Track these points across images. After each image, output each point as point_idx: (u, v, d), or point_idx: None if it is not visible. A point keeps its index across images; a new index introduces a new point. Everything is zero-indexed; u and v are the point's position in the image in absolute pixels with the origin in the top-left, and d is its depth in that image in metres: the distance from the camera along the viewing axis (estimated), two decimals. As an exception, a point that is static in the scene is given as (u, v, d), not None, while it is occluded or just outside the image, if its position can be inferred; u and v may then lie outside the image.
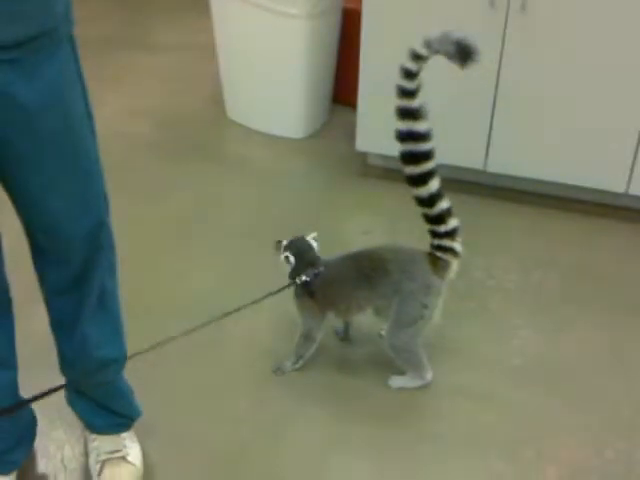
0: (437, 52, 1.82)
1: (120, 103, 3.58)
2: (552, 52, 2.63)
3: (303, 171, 3.22)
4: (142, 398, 1.85)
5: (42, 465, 1.85)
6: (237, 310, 1.94)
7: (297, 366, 2.12)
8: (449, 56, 1.81)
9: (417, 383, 2.08)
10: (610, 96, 2.63)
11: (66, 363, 1.73)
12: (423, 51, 1.82)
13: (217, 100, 3.61)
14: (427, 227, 2.02)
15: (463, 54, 1.81)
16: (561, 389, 2.08)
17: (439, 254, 2.03)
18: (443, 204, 1.99)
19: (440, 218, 2.00)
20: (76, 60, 1.42)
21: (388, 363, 2.08)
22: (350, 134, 3.25)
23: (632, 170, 2.70)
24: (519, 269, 2.56)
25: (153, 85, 3.85)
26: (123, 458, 1.80)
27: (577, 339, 2.26)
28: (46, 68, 1.32)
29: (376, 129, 2.97)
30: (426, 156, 1.96)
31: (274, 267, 2.52)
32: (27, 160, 1.38)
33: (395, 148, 2.96)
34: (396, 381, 2.09)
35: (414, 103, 1.93)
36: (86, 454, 1.85)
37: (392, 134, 2.91)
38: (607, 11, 2.52)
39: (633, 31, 2.52)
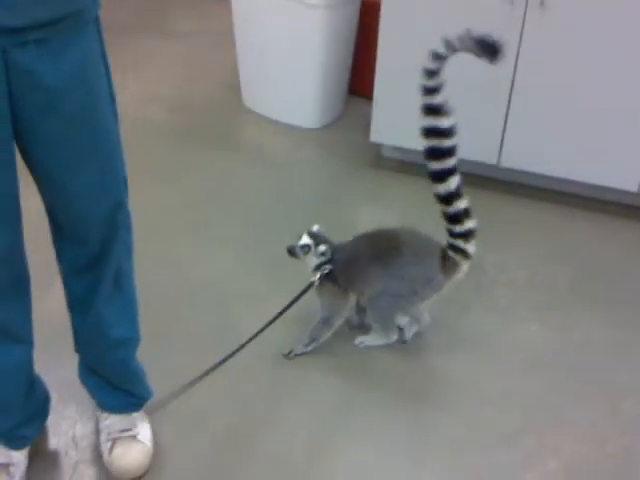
0: (458, 51, 1.86)
1: (137, 89, 3.61)
2: (570, 48, 2.63)
3: (317, 161, 3.24)
4: (153, 379, 1.89)
5: (54, 442, 1.88)
6: (268, 325, 2.02)
7: (309, 349, 2.14)
8: (475, 54, 1.84)
9: (381, 341, 2.16)
10: (627, 94, 2.63)
11: (81, 341, 1.77)
12: (443, 51, 1.84)
13: (233, 87, 3.64)
14: (444, 224, 2.05)
15: (488, 51, 1.85)
16: (566, 383, 2.11)
17: (451, 253, 2.06)
18: (461, 204, 2.02)
19: (456, 217, 2.03)
20: (101, 42, 1.45)
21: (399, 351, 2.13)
22: (365, 125, 3.27)
23: (646, 169, 2.71)
24: (530, 265, 2.57)
25: (170, 71, 3.88)
26: (134, 437, 1.83)
27: (584, 335, 2.28)
28: (72, 49, 1.35)
29: (391, 121, 3.00)
30: (448, 153, 1.98)
31: (286, 255, 2.56)
32: (50, 141, 1.41)
33: (409, 140, 3.01)
34: (362, 340, 2.18)
35: (437, 100, 1.98)
36: (97, 432, 1.88)
37: (407, 126, 2.94)
38: (625, 7, 2.53)
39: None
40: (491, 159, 2.90)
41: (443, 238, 2.08)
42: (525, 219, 2.84)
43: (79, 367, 1.85)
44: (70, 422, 1.93)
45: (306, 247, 2.11)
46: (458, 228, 2.04)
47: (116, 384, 1.82)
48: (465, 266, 2.08)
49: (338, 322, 2.13)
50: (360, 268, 2.10)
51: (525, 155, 2.86)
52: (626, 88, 2.63)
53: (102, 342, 1.73)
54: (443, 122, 1.98)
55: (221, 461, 1.85)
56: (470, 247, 2.07)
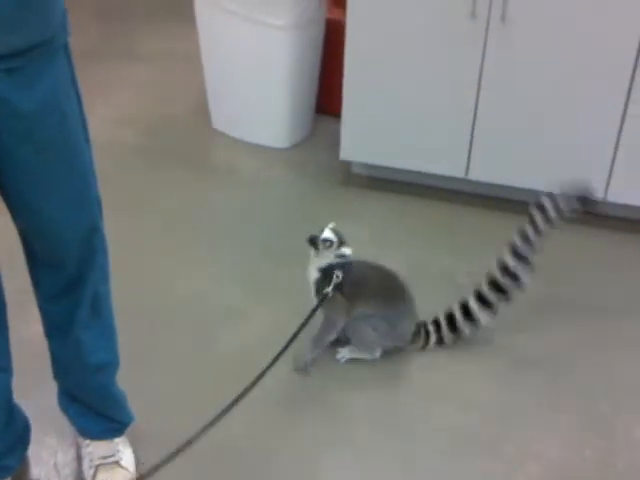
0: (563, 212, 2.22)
1: (105, 113, 3.61)
2: (532, 61, 2.69)
3: (287, 180, 3.26)
4: (134, 403, 1.88)
5: (35, 471, 1.87)
6: (287, 346, 1.96)
7: (315, 355, 2.15)
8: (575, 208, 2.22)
9: (363, 355, 2.18)
10: (588, 105, 2.70)
11: (60, 368, 1.76)
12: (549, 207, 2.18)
13: (202, 109, 3.65)
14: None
15: (587, 203, 2.23)
16: (544, 389, 2.14)
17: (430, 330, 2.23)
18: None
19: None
20: (71, 69, 1.46)
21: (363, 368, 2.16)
22: (334, 144, 3.30)
23: (609, 178, 2.77)
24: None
25: (138, 95, 3.88)
26: (117, 463, 1.83)
27: (558, 341, 2.32)
28: (44, 76, 1.37)
29: (360, 138, 3.04)
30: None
31: (262, 272, 2.58)
32: (25, 167, 1.42)
33: (378, 157, 3.06)
34: (343, 354, 2.20)
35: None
36: (79, 459, 1.88)
37: (375, 143, 3.02)
38: (586, 21, 2.59)
39: (611, 40, 2.59)
40: (459, 172, 2.94)
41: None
42: (495, 230, 2.87)
43: (59, 395, 1.84)
44: (51, 450, 1.92)
45: (328, 242, 2.11)
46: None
47: (97, 410, 1.81)
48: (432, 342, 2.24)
49: (340, 324, 2.14)
50: (366, 291, 2.15)
51: (493, 167, 2.91)
52: (588, 99, 2.69)
53: (82, 368, 1.73)
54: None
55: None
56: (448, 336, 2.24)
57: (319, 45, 3.47)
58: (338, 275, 2.08)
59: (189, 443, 1.65)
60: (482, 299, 2.22)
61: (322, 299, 2.07)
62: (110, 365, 1.78)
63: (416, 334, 2.21)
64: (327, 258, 2.12)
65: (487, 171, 2.92)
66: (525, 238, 2.21)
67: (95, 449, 1.84)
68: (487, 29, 2.67)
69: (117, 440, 1.86)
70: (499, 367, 2.22)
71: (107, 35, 4.55)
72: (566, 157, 2.80)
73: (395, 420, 2.04)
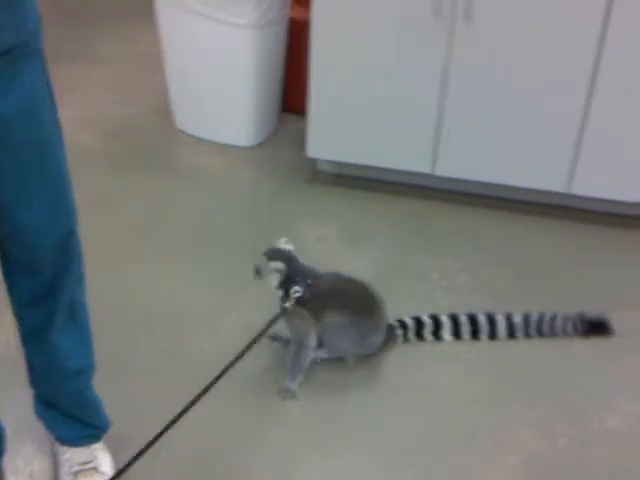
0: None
1: (68, 115, 3.49)
2: (496, 58, 2.72)
3: (254, 179, 3.26)
4: (111, 408, 1.87)
5: (11, 480, 1.85)
6: (243, 353, 1.91)
7: (298, 380, 2.10)
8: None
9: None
10: (552, 101, 2.74)
11: (36, 375, 1.74)
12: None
13: (165, 110, 3.62)
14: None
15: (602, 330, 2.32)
16: (515, 382, 2.17)
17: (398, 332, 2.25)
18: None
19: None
20: (46, 73, 1.45)
21: (341, 368, 2.17)
22: (299, 142, 3.31)
23: (573, 171, 2.82)
24: (470, 269, 2.64)
25: (100, 97, 3.83)
26: (95, 469, 1.80)
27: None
28: (19, 81, 1.35)
29: (326, 136, 3.05)
30: None
31: (233, 272, 2.58)
32: (2, 171, 1.40)
33: (345, 154, 3.07)
34: (318, 354, 2.17)
35: None
36: (56, 467, 1.85)
37: (342, 140, 3.03)
38: (549, 20, 2.63)
39: (573, 38, 2.63)
40: (426, 168, 2.97)
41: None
42: (462, 225, 2.92)
43: (35, 402, 1.82)
44: (27, 458, 1.89)
45: (264, 268, 2.09)
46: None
47: (74, 416, 1.79)
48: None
49: (313, 341, 2.10)
50: (335, 302, 2.12)
51: (459, 163, 2.94)
52: (552, 95, 2.74)
53: (58, 374, 1.71)
54: None
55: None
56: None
57: (283, 44, 3.47)
58: (296, 290, 2.05)
59: (148, 446, 1.63)
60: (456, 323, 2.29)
61: (281, 313, 2.05)
62: (87, 370, 1.76)
63: (388, 340, 2.21)
64: (272, 279, 2.10)
65: (453, 166, 2.95)
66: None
67: (73, 455, 1.82)
68: (451, 27, 2.70)
69: (95, 446, 1.84)
70: (471, 360, 2.24)
71: (65, 37, 4.47)
72: (531, 152, 2.84)
73: (370, 417, 2.05)
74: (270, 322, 2.02)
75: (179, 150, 3.51)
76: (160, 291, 2.49)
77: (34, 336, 1.67)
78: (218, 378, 1.83)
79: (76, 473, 1.79)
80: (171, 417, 1.96)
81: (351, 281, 2.19)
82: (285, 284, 2.08)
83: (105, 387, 1.84)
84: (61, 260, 1.58)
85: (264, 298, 2.39)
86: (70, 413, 1.79)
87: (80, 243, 1.64)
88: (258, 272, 2.10)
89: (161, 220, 2.90)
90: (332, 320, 2.09)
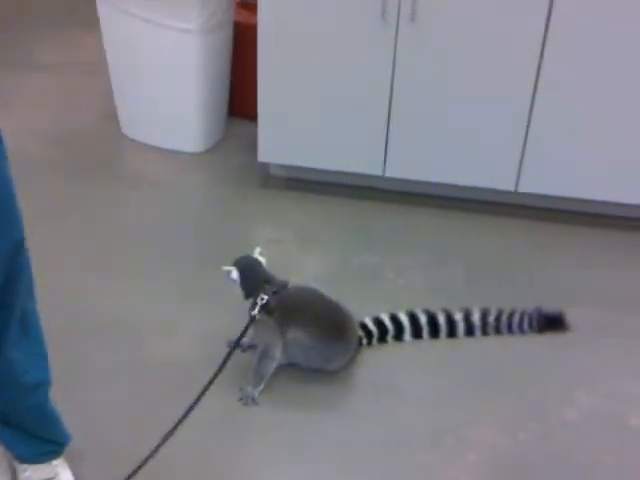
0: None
1: (9, 124, 3.43)
2: (442, 59, 2.76)
3: (205, 185, 3.24)
4: (70, 422, 1.82)
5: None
6: (220, 369, 1.94)
7: (260, 388, 2.08)
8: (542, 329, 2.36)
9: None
10: (498, 100, 2.78)
11: None
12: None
13: (110, 116, 3.57)
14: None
15: (557, 325, 2.36)
16: (474, 380, 2.19)
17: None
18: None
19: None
20: None
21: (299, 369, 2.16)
22: (249, 146, 3.30)
23: (520, 170, 2.87)
24: (425, 267, 2.67)
25: (42, 105, 3.76)
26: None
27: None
28: None
29: (277, 140, 3.04)
30: None
31: (186, 280, 2.55)
32: None
33: (296, 158, 3.07)
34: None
35: None
36: (14, 485, 1.81)
37: (293, 144, 3.03)
38: (492, 21, 2.67)
39: (516, 39, 2.68)
40: (377, 170, 2.99)
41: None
42: (414, 225, 2.95)
43: None
44: (-18, 478, 1.84)
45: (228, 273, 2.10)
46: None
47: (32, 432, 1.74)
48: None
49: (278, 352, 2.09)
50: (302, 317, 2.09)
51: (408, 164, 2.96)
52: (496, 95, 2.77)
53: (15, 388, 1.66)
54: None
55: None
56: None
57: (229, 48, 3.45)
58: (262, 297, 2.05)
59: (138, 468, 1.61)
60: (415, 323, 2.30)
61: (249, 322, 2.04)
62: (44, 383, 1.71)
63: (354, 357, 2.21)
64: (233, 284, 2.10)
65: (403, 168, 2.97)
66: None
67: (33, 473, 1.77)
68: (397, 29, 2.72)
69: (55, 462, 1.79)
70: (431, 360, 2.26)
71: (5, 45, 4.38)
72: (478, 152, 2.88)
73: (332, 418, 2.05)
74: (242, 332, 2.03)
75: (127, 157, 3.47)
76: (113, 301, 2.44)
77: None
78: (203, 392, 1.86)
79: None
80: (129, 429, 1.95)
81: (322, 298, 2.16)
82: (253, 292, 2.07)
83: (62, 401, 1.79)
84: (11, 271, 1.54)
85: (222, 305, 2.39)
86: (28, 429, 1.74)
87: (29, 254, 1.60)
88: (230, 345, 2.11)
89: (111, 229, 2.85)
90: (296, 337, 2.08)
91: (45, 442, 1.76)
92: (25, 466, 1.78)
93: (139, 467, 1.74)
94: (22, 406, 1.69)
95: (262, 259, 2.14)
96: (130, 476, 1.65)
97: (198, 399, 1.87)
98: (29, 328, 1.65)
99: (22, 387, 1.66)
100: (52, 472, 1.77)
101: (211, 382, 1.89)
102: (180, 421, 1.82)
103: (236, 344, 2.03)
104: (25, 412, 1.71)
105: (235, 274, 2.08)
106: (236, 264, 2.10)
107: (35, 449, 1.76)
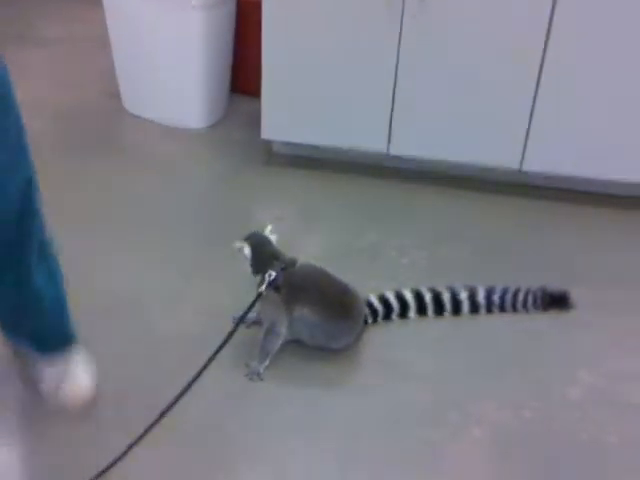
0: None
1: None
2: (449, 37, 2.74)
3: (207, 161, 3.22)
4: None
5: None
6: (226, 341, 1.93)
7: (266, 364, 2.08)
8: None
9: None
10: (503, 79, 2.77)
11: (12, 317, 1.86)
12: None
13: (113, 92, 3.55)
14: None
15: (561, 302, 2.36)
16: (478, 357, 2.20)
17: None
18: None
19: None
20: None
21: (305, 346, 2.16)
22: (251, 123, 3.28)
23: (524, 148, 2.86)
24: (429, 247, 2.67)
25: (42, 81, 3.73)
26: (75, 374, 1.96)
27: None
28: None
29: (281, 117, 3.03)
30: None
31: (190, 256, 2.54)
32: None
33: (299, 135, 3.06)
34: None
35: None
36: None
37: (296, 121, 3.01)
38: (499, 5, 2.66)
39: (523, 23, 2.67)
40: (381, 148, 2.98)
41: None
42: (418, 203, 2.94)
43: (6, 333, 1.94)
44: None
45: (240, 250, 2.09)
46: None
47: (48, 323, 1.90)
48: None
49: (283, 329, 2.09)
50: (309, 295, 2.09)
51: (413, 142, 2.96)
52: (501, 74, 2.76)
53: (38, 311, 1.82)
54: None
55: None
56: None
57: (232, 23, 3.43)
58: (271, 274, 2.04)
59: (144, 433, 1.62)
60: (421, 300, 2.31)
61: (256, 298, 2.04)
62: (62, 298, 1.88)
63: (359, 336, 2.20)
64: (245, 263, 2.10)
65: (408, 145, 2.96)
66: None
67: (51, 367, 1.93)
68: (403, 5, 2.70)
69: (69, 354, 1.95)
70: (436, 336, 2.26)
71: (7, 20, 4.35)
72: (484, 130, 2.87)
73: (337, 394, 2.06)
74: (248, 307, 2.02)
75: (129, 133, 3.45)
76: (115, 275, 2.44)
77: (9, 281, 1.75)
78: (205, 366, 1.86)
79: (60, 380, 1.92)
80: (134, 401, 1.96)
81: (329, 278, 2.16)
82: (262, 269, 2.07)
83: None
84: (24, 207, 1.69)
85: (225, 280, 2.40)
86: (43, 323, 1.90)
87: (39, 189, 1.76)
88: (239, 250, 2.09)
89: (114, 205, 2.84)
90: (302, 314, 2.07)
91: (58, 334, 1.94)
92: (42, 366, 1.94)
93: (139, 438, 1.74)
94: (44, 322, 1.89)
95: (272, 236, 2.14)
96: (126, 451, 1.65)
97: (200, 373, 1.87)
98: (46, 256, 1.81)
99: (44, 309, 1.84)
100: (69, 365, 1.95)
101: (213, 356, 1.89)
102: (181, 395, 1.81)
103: (241, 319, 2.03)
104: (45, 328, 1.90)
105: (247, 250, 2.08)
106: (247, 240, 2.10)
107: (50, 342, 1.93)
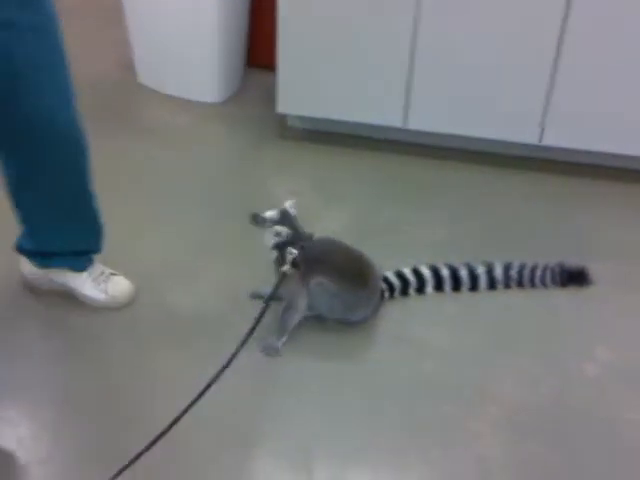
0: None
1: None
2: (468, 10, 2.71)
3: (223, 135, 3.21)
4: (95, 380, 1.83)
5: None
6: (257, 323, 1.90)
7: (284, 339, 2.09)
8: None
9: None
10: (522, 52, 2.74)
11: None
12: None
13: (127, 65, 3.54)
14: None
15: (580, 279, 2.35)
16: (495, 333, 2.19)
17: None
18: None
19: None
20: None
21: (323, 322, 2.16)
22: (266, 97, 3.27)
23: (543, 122, 2.83)
24: (446, 222, 2.66)
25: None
26: (113, 274, 2.20)
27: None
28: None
29: (296, 91, 3.01)
30: None
31: (206, 230, 2.53)
32: (16, 60, 1.73)
33: (315, 109, 3.03)
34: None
35: None
36: (41, 430, 1.84)
37: (311, 95, 2.99)
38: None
39: (540, 4, 2.64)
40: (397, 122, 2.95)
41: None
42: (435, 179, 2.92)
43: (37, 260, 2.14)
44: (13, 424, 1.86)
45: (267, 221, 2.05)
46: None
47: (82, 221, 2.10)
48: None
49: (302, 304, 2.09)
50: (326, 266, 2.08)
51: (431, 116, 2.93)
52: (520, 47, 2.73)
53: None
54: None
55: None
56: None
57: (247, -4, 3.39)
58: (292, 252, 2.03)
59: (169, 427, 1.62)
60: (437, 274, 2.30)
61: (281, 278, 2.02)
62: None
63: (377, 308, 2.20)
64: (268, 238, 2.07)
65: (425, 120, 2.94)
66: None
67: (91, 271, 2.16)
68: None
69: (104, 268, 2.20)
70: (453, 312, 2.26)
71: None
72: (502, 104, 2.84)
73: (354, 371, 2.05)
74: (275, 287, 2.01)
75: (144, 107, 3.43)
76: (133, 249, 2.43)
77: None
78: (237, 351, 1.81)
79: (105, 279, 2.17)
80: (150, 382, 1.96)
81: (346, 249, 2.16)
82: (280, 245, 2.06)
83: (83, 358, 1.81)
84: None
85: (240, 256, 2.40)
86: (69, 230, 2.08)
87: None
88: (256, 220, 2.05)
89: (127, 179, 2.83)
90: (320, 282, 2.06)
91: (89, 237, 2.14)
92: (80, 273, 2.15)
93: (171, 425, 1.69)
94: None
95: (294, 211, 2.12)
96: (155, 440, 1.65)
97: (233, 357, 1.80)
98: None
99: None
100: (104, 267, 2.19)
101: (244, 342, 1.84)
102: (211, 382, 1.73)
103: (269, 299, 1.99)
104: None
105: (284, 230, 2.05)
106: (278, 219, 2.07)
107: (84, 244, 2.15)
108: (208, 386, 1.70)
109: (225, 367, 1.74)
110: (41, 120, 1.83)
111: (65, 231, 2.08)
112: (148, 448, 1.58)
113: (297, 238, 2.07)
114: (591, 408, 1.96)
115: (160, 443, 1.59)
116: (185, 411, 1.65)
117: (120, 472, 1.55)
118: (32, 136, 1.85)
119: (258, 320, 1.90)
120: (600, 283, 2.35)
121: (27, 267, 2.19)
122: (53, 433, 1.84)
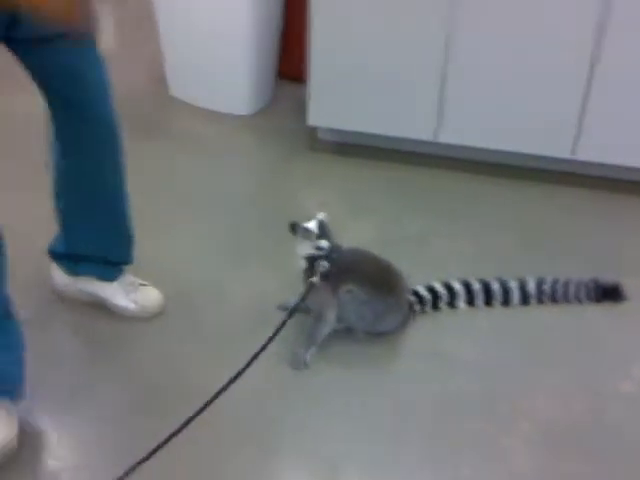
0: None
1: None
2: (500, 24, 2.69)
3: (253, 147, 3.22)
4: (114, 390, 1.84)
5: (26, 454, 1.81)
6: (278, 331, 1.89)
7: (312, 351, 2.07)
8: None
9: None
10: (556, 66, 2.71)
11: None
12: None
13: (159, 77, 3.56)
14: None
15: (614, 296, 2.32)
16: (528, 348, 2.16)
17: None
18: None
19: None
20: None
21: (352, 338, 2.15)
22: (297, 109, 3.27)
23: (577, 136, 2.80)
24: (477, 236, 2.63)
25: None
26: (142, 285, 2.22)
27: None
28: None
29: (327, 104, 3.00)
30: None
31: (235, 241, 2.53)
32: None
33: (345, 122, 3.03)
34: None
35: None
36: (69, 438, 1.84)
37: (342, 108, 2.99)
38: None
39: (576, 7, 2.60)
40: (428, 136, 2.94)
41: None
42: (465, 192, 2.90)
43: (69, 269, 2.17)
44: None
45: (309, 232, 2.05)
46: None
47: (106, 245, 2.12)
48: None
49: (331, 315, 2.08)
50: (355, 276, 2.08)
51: (462, 130, 2.91)
52: (554, 61, 2.70)
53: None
54: None
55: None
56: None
57: (279, 9, 3.40)
58: (324, 265, 2.02)
59: (185, 424, 1.62)
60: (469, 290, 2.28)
61: (308, 289, 2.02)
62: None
63: (407, 319, 2.18)
64: (305, 248, 2.06)
65: (456, 133, 2.92)
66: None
67: (121, 282, 2.18)
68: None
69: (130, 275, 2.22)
70: (485, 327, 2.23)
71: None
72: (536, 118, 2.81)
73: (385, 385, 2.03)
74: (302, 298, 2.01)
75: (175, 119, 3.45)
76: (162, 260, 2.44)
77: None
78: (256, 356, 1.82)
79: (135, 289, 2.18)
80: (180, 387, 1.96)
81: (374, 258, 2.15)
82: (312, 258, 2.05)
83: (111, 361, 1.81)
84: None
85: (271, 267, 2.39)
86: (101, 241, 2.11)
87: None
88: (295, 230, 2.05)
89: (159, 190, 2.84)
90: (349, 290, 2.05)
91: (123, 245, 2.16)
92: (110, 283, 2.18)
93: (186, 423, 1.71)
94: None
95: (326, 223, 2.11)
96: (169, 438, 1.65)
97: (249, 363, 1.82)
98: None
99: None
100: (133, 278, 2.21)
101: (264, 347, 1.85)
102: (228, 384, 1.77)
103: (293, 310, 1.99)
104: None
105: (326, 243, 2.05)
106: (319, 233, 2.07)
107: (116, 254, 2.17)
108: (222, 389, 1.74)
109: (240, 373, 1.77)
110: (100, 117, 2.02)
111: (99, 234, 2.08)
112: (155, 450, 1.59)
113: (332, 251, 2.06)
114: (626, 426, 1.93)
115: (180, 443, 1.61)
116: (199, 412, 1.68)
117: (132, 469, 1.60)
118: (93, 132, 1.99)
119: (279, 328, 1.90)
120: (635, 299, 2.31)
121: (57, 275, 2.20)
122: (81, 438, 1.85)
